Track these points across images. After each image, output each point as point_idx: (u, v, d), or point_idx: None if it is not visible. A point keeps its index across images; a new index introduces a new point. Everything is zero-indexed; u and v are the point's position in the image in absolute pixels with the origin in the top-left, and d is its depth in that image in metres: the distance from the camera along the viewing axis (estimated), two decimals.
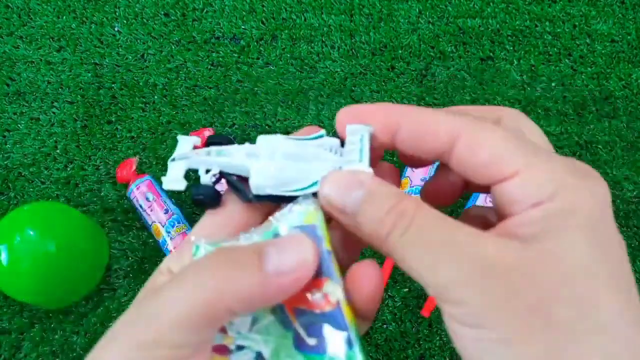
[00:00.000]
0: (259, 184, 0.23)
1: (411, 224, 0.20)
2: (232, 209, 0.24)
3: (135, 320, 0.20)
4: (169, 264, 0.23)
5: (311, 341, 0.21)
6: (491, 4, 0.67)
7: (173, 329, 0.19)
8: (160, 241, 0.54)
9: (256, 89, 0.62)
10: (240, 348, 0.21)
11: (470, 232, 0.19)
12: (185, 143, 0.27)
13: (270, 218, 0.23)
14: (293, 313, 0.21)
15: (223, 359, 0.21)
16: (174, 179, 0.26)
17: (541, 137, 0.23)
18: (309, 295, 0.21)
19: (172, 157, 0.26)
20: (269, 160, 0.25)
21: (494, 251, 0.19)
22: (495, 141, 0.21)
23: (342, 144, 0.24)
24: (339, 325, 0.21)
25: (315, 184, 0.23)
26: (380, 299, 0.22)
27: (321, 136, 0.25)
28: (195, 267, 0.20)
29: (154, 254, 0.56)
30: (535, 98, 0.63)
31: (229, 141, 0.27)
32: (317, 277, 0.21)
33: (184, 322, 0.19)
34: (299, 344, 0.21)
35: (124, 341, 0.19)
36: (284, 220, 0.22)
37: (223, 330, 0.21)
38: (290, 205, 0.23)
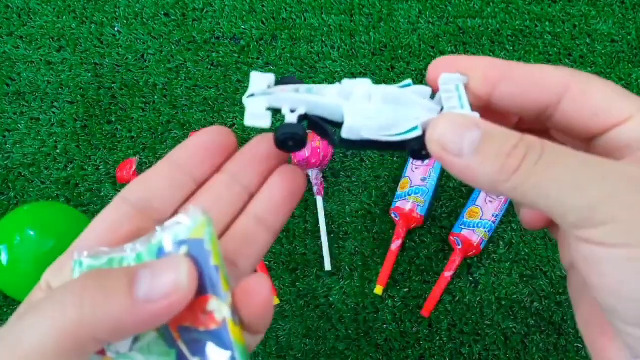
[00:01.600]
0: (354, 126, 0.22)
1: (543, 151, 0.19)
2: (121, 216, 0.23)
3: (2, 341, 0.18)
4: (48, 278, 0.22)
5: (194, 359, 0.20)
6: (491, 4, 0.67)
7: (36, 356, 0.18)
8: None
9: None
10: None
11: (605, 159, 0.19)
12: (260, 80, 0.24)
13: (157, 227, 0.21)
14: (177, 331, 0.20)
15: None
16: (257, 115, 0.23)
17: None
18: (192, 313, 0.20)
19: (248, 93, 0.23)
20: (366, 101, 0.23)
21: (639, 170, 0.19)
22: (607, 90, 0.21)
23: (432, 95, 0.23)
24: (223, 344, 0.20)
25: (415, 129, 0.22)
26: (271, 314, 0.21)
27: (409, 85, 0.24)
28: (62, 292, 0.19)
29: None
30: None
31: (297, 81, 0.25)
32: (202, 294, 0.20)
33: (47, 350, 0.18)
34: None
35: None
36: (170, 232, 0.21)
37: (101, 352, 0.20)
38: (178, 217, 0.21)
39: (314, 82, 0.63)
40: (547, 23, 0.66)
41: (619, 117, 0.21)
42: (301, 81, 0.25)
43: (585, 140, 0.22)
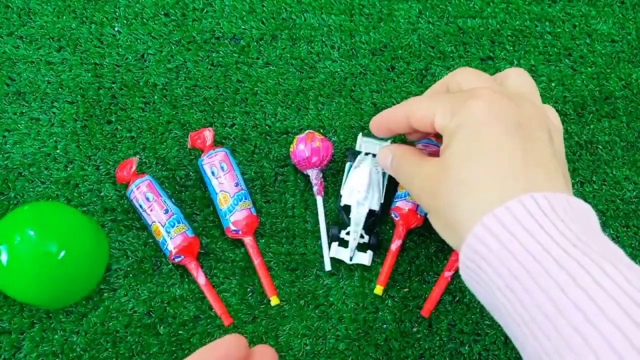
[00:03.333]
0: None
1: (395, 156, 0.46)
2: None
3: None
4: None
5: None
6: (491, 4, 0.67)
7: None
8: (160, 241, 0.54)
9: (256, 89, 0.63)
10: None
11: (421, 158, 0.42)
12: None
13: None
14: None
15: None
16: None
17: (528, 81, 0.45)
18: None
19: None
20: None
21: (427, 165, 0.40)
22: (426, 104, 0.41)
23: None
24: None
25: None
26: None
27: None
28: None
29: (154, 254, 0.56)
30: None
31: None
32: None
33: None
34: None
35: None
36: None
37: None
38: None
39: (314, 82, 0.63)
40: (547, 23, 0.66)
41: (431, 119, 0.39)
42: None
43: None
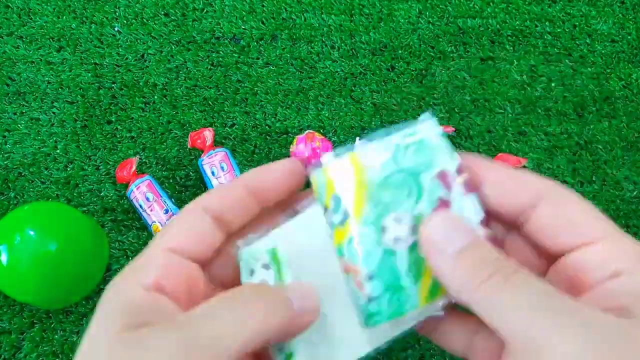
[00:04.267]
0: None
1: (513, 274, 0.20)
2: (204, 227, 0.25)
3: (192, 345, 0.19)
4: (160, 280, 0.23)
5: None
6: (491, 4, 0.67)
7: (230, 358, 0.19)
8: None
9: (256, 89, 0.63)
10: None
11: (567, 298, 0.19)
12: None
13: (238, 243, 0.25)
14: None
15: None
16: None
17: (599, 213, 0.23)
18: None
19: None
20: None
21: (591, 315, 0.18)
22: (579, 207, 0.22)
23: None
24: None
25: None
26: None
27: None
28: (238, 303, 0.21)
29: None
30: (535, 98, 0.63)
31: None
32: None
33: (236, 354, 0.19)
34: None
35: None
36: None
37: None
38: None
39: (314, 82, 0.63)
40: (547, 23, 0.66)
41: (585, 239, 0.21)
42: None
43: (550, 258, 0.23)
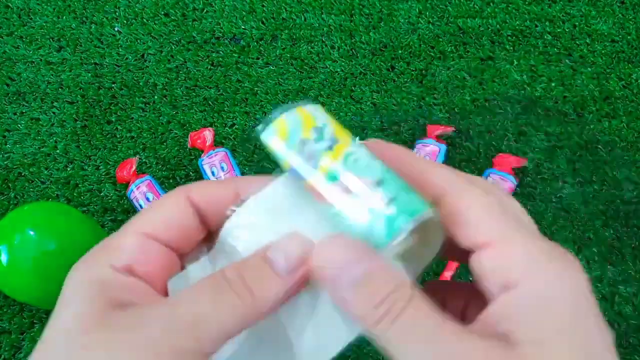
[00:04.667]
0: None
1: (401, 314, 0.19)
2: (185, 216, 0.23)
3: (174, 326, 0.18)
4: (132, 264, 0.22)
5: None
6: (491, 4, 0.67)
7: (213, 339, 0.19)
8: None
9: (256, 89, 0.63)
10: None
11: (454, 331, 0.18)
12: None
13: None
14: None
15: None
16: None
17: (523, 214, 0.21)
18: None
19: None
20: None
21: (478, 357, 0.18)
22: (477, 205, 0.20)
23: None
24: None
25: None
26: None
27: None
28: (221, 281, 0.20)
29: None
30: (535, 98, 0.63)
31: None
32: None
33: (221, 336, 0.19)
34: None
35: (163, 346, 0.18)
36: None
37: None
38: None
39: (314, 82, 0.63)
40: (547, 23, 0.66)
41: (479, 240, 0.20)
42: None
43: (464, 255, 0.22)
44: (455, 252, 0.22)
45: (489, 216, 0.20)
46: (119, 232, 0.22)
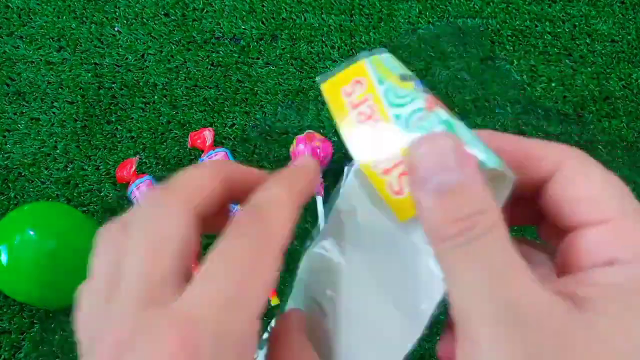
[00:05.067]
0: None
1: (478, 238, 0.17)
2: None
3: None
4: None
5: None
6: (491, 4, 0.67)
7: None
8: None
9: (256, 89, 0.63)
10: None
11: (525, 275, 0.17)
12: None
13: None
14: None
15: None
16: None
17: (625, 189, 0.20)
18: None
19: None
20: None
21: (536, 308, 0.16)
22: (598, 179, 0.19)
23: None
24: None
25: None
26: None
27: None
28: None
29: None
30: (535, 98, 0.63)
31: None
32: None
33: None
34: None
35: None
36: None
37: None
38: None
39: (313, 82, 0.63)
40: (547, 23, 0.66)
41: (599, 215, 0.18)
42: None
43: (564, 230, 0.20)
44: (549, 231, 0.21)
45: (607, 192, 0.19)
46: (163, 212, 0.20)
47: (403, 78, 0.20)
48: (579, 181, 0.19)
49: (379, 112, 0.20)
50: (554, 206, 0.20)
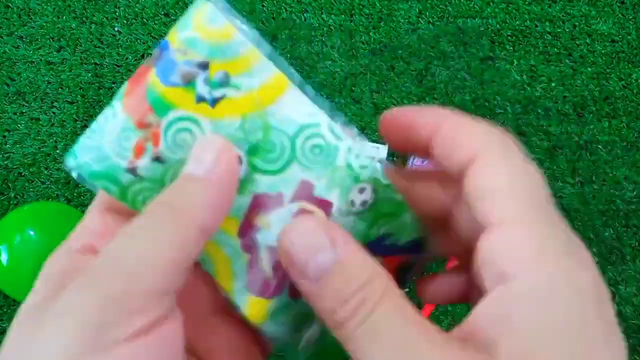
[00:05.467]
0: None
1: (371, 314, 0.16)
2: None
3: (118, 273, 0.17)
4: (92, 241, 0.21)
5: None
6: (491, 4, 0.67)
7: (164, 274, 0.16)
8: None
9: None
10: None
11: (431, 337, 0.16)
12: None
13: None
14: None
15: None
16: None
17: (549, 197, 0.17)
18: None
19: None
20: None
21: None
22: (504, 172, 0.17)
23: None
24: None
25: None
26: None
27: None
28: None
29: None
30: (535, 98, 0.63)
31: None
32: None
33: (170, 268, 0.17)
34: None
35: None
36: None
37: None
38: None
39: (313, 82, 0.63)
40: (547, 23, 0.66)
41: (499, 216, 0.16)
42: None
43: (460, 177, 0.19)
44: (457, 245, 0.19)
45: (510, 191, 0.16)
46: (86, 212, 0.21)
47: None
48: (486, 175, 0.17)
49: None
50: (440, 158, 0.19)
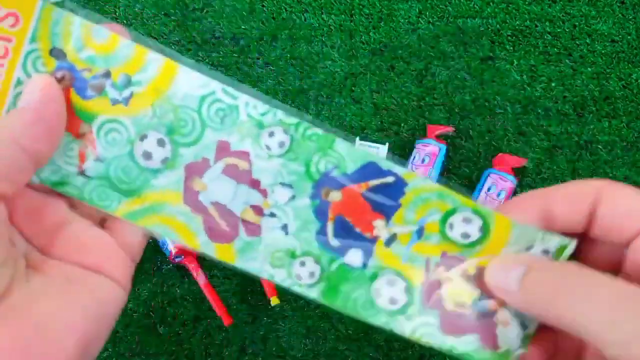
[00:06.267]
0: None
1: (578, 283, 0.20)
2: None
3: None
4: None
5: (333, 242, 0.23)
6: (491, 4, 0.67)
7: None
8: (161, 241, 0.54)
9: (256, 88, 0.63)
10: (272, 215, 0.23)
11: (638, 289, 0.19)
12: None
13: None
14: (334, 213, 0.23)
15: (256, 218, 0.23)
16: None
17: None
18: (358, 215, 0.23)
19: None
20: None
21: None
22: (635, 193, 0.22)
23: None
24: (366, 251, 0.22)
25: None
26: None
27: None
28: None
29: (154, 254, 0.56)
30: (535, 98, 0.63)
31: None
32: (376, 211, 0.22)
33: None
34: (320, 237, 0.23)
35: None
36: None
37: (264, 194, 0.23)
38: None
39: (313, 82, 0.63)
40: (547, 23, 0.66)
41: (634, 229, 0.21)
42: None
43: (622, 247, 0.23)
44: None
45: None
46: None
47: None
48: (621, 198, 0.22)
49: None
50: (607, 225, 0.22)
